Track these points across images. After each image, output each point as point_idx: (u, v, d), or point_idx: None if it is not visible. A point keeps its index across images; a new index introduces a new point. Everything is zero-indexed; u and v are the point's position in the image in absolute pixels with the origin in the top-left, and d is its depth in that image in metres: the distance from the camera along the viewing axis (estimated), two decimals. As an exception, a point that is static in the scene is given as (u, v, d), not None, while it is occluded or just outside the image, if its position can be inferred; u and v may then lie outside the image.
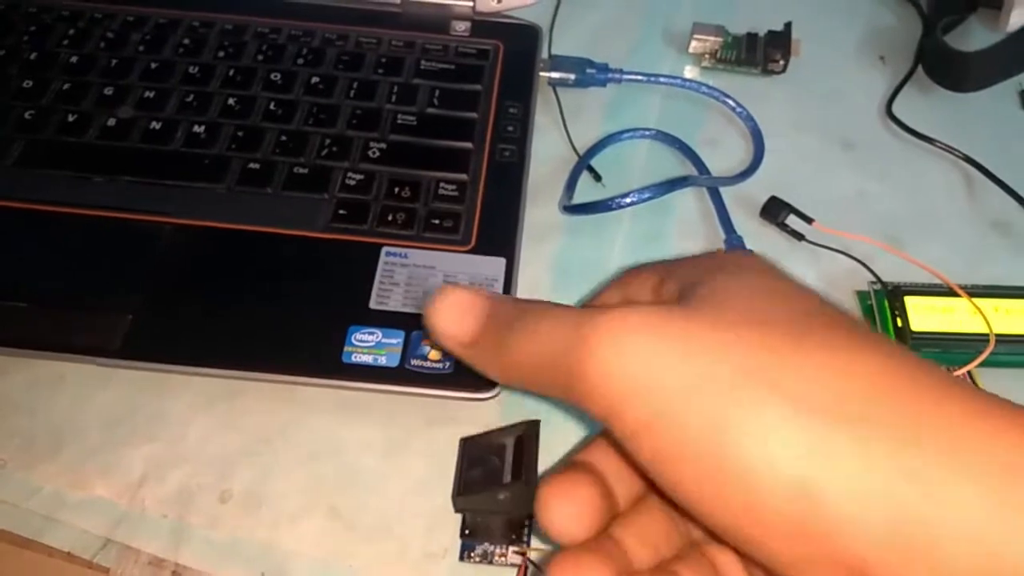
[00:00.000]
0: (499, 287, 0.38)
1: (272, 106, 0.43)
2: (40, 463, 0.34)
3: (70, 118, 0.42)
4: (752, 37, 0.50)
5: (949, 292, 0.38)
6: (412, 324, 0.36)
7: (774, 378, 0.19)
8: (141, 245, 0.38)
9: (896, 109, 0.48)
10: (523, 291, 0.38)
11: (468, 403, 0.35)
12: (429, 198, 0.40)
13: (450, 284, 0.25)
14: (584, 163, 0.44)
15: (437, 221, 0.39)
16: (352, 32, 0.47)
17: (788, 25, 0.49)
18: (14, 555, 0.32)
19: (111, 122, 0.42)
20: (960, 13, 0.51)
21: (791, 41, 0.49)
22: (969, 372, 0.36)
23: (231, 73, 0.44)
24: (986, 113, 0.48)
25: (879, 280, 0.39)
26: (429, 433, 0.35)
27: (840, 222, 0.42)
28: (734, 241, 0.41)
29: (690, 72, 0.49)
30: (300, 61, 0.45)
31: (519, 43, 0.48)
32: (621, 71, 0.48)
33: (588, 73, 0.47)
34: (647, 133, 0.46)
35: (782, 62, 0.49)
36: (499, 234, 0.39)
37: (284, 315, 0.36)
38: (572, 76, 0.47)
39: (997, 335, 0.36)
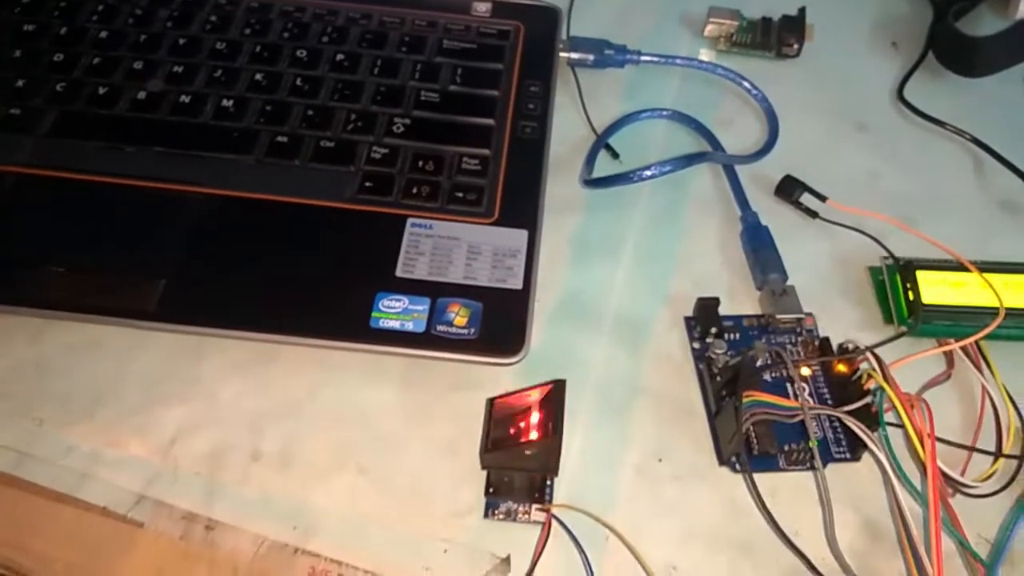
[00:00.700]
0: (521, 258, 0.38)
1: (298, 82, 0.44)
2: (76, 422, 0.35)
3: (101, 91, 0.43)
4: (767, 21, 0.51)
5: (959, 268, 0.39)
6: (437, 292, 0.37)
7: None
8: (173, 213, 0.39)
9: (907, 93, 0.49)
10: (544, 262, 0.39)
11: (492, 368, 0.36)
12: (452, 172, 0.41)
13: None
14: (602, 141, 0.45)
15: (460, 194, 0.40)
16: (375, 11, 0.48)
17: (802, 10, 0.50)
18: (52, 509, 0.33)
19: (141, 95, 0.43)
20: (970, 0, 0.52)
21: (805, 26, 0.50)
22: (978, 344, 0.37)
23: (258, 49, 0.45)
24: (995, 97, 0.49)
25: (891, 255, 0.40)
26: (454, 397, 0.36)
27: (853, 201, 0.43)
28: (749, 218, 0.42)
29: (705, 55, 0.50)
30: (325, 39, 0.46)
31: (539, 24, 0.48)
32: (639, 52, 0.48)
33: (606, 54, 0.48)
34: (664, 113, 0.47)
35: (796, 46, 0.50)
36: (521, 207, 0.40)
37: (314, 282, 0.37)
38: (591, 57, 0.48)
39: (1007, 308, 0.37)
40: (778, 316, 0.38)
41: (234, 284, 0.37)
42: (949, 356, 0.38)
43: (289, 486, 0.34)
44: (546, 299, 0.39)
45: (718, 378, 0.36)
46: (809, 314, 0.38)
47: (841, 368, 0.36)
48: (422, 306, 0.37)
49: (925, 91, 0.49)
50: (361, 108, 0.43)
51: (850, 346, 0.36)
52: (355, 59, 0.45)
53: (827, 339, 0.37)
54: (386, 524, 0.33)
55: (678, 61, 0.49)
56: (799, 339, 0.38)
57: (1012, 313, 0.37)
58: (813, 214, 0.43)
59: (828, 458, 0.35)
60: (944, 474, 0.33)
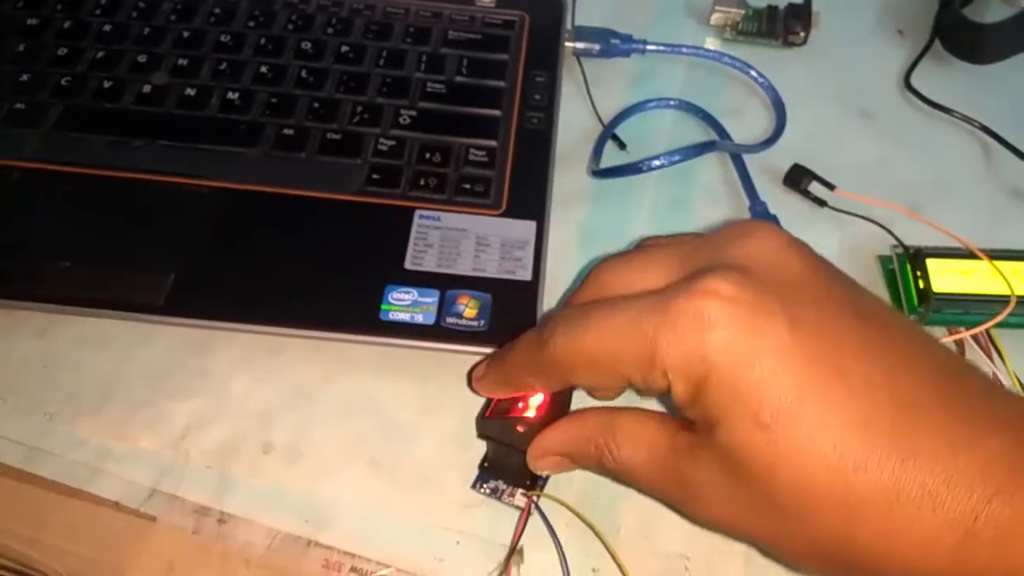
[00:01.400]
0: (530, 249, 0.38)
1: (304, 74, 0.44)
2: (86, 416, 0.35)
3: (106, 84, 0.43)
4: (772, 9, 0.50)
5: (969, 256, 0.39)
6: (447, 283, 0.37)
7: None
8: (181, 206, 0.39)
9: (914, 81, 0.48)
10: (553, 253, 0.39)
11: (502, 360, 0.36)
12: (460, 163, 0.41)
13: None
14: (609, 132, 0.45)
15: (468, 185, 0.40)
16: (380, 2, 0.48)
17: (808, -2, 0.50)
18: (63, 504, 0.33)
19: (146, 88, 0.43)
20: (977, -13, 0.52)
21: (811, 13, 0.50)
22: (988, 331, 0.37)
23: (263, 42, 0.45)
24: (1002, 85, 0.49)
25: (901, 244, 0.40)
26: (464, 389, 0.36)
27: (861, 189, 0.42)
28: (758, 207, 0.42)
29: (711, 44, 0.50)
30: (330, 31, 0.46)
31: (544, 13, 0.48)
32: (644, 42, 0.48)
33: (612, 44, 0.48)
34: (671, 103, 0.47)
35: (802, 34, 0.49)
36: (529, 198, 0.40)
37: (322, 274, 0.37)
38: (596, 46, 0.48)
39: (1018, 296, 0.37)
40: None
41: (242, 277, 0.37)
42: (960, 345, 0.37)
43: (300, 479, 0.34)
44: (555, 290, 0.39)
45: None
46: (819, 303, 0.38)
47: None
48: (431, 298, 0.36)
49: (932, 79, 0.49)
50: (367, 100, 0.43)
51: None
52: (360, 51, 0.45)
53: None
54: (398, 516, 0.33)
55: (684, 50, 0.49)
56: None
57: (1023, 301, 0.37)
58: (822, 203, 0.42)
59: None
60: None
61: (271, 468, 0.34)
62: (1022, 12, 0.49)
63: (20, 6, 0.46)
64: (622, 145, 0.45)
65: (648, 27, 0.50)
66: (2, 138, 0.41)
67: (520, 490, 0.33)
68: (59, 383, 0.36)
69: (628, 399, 0.31)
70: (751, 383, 0.22)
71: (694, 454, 0.25)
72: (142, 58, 0.44)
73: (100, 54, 0.44)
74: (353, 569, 0.32)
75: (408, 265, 0.37)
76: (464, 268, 0.38)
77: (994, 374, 0.36)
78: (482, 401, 0.34)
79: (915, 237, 0.40)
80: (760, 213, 0.41)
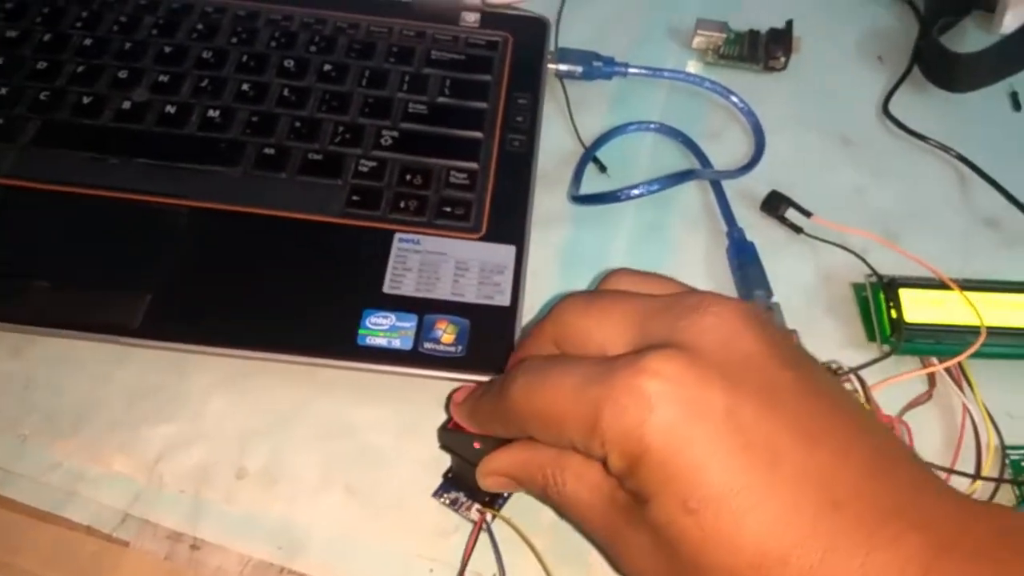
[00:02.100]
0: (509, 274, 0.39)
1: (286, 92, 0.44)
2: (60, 439, 0.35)
3: (85, 100, 0.42)
4: (754, 34, 0.51)
5: (942, 285, 0.39)
6: (425, 308, 0.37)
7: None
8: (158, 226, 0.39)
9: (892, 108, 0.49)
10: (532, 278, 0.39)
11: (479, 386, 0.36)
12: (440, 186, 0.41)
13: None
14: (590, 154, 0.45)
15: (448, 208, 0.40)
16: (363, 21, 0.48)
17: (790, 23, 0.50)
18: (36, 528, 0.33)
19: (126, 105, 0.42)
20: (956, 15, 0.53)
21: (792, 39, 0.50)
22: (960, 364, 0.38)
23: (245, 59, 0.45)
24: (979, 113, 0.50)
25: (875, 272, 0.40)
26: (441, 415, 0.36)
27: (837, 216, 0.43)
28: (735, 233, 0.42)
29: (693, 67, 0.51)
30: (312, 48, 0.46)
31: (527, 35, 0.48)
32: (626, 65, 0.49)
33: (594, 66, 0.48)
34: (651, 126, 0.47)
35: (783, 59, 0.50)
36: (509, 222, 0.40)
37: (300, 297, 0.37)
38: (579, 69, 0.48)
39: (988, 327, 0.37)
40: (763, 334, 0.38)
41: (219, 299, 0.37)
42: (931, 376, 0.38)
43: (275, 504, 0.34)
44: (533, 315, 0.39)
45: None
46: (793, 331, 0.39)
47: (825, 387, 0.36)
48: (409, 323, 0.37)
49: (910, 106, 0.49)
50: (349, 120, 0.43)
51: (834, 366, 0.36)
52: (343, 70, 0.45)
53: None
54: (372, 543, 0.33)
55: (665, 74, 0.49)
56: (784, 357, 0.38)
57: (995, 332, 0.38)
58: (798, 230, 0.43)
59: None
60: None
61: (245, 493, 0.34)
62: (999, 42, 0.50)
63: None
64: (603, 168, 0.45)
65: (631, 50, 0.50)
66: (-22, 153, 0.40)
67: (477, 505, 0.33)
68: (34, 405, 0.36)
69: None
70: (682, 468, 0.23)
71: (630, 516, 0.25)
72: (122, 74, 0.44)
73: (80, 68, 0.44)
74: (326, 597, 0.32)
75: (387, 289, 0.38)
76: (443, 293, 0.38)
77: (964, 406, 0.37)
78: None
79: (889, 266, 0.41)
80: (737, 240, 0.42)
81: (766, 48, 0.50)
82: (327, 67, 0.45)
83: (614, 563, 0.27)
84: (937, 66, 0.50)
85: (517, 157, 0.43)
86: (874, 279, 0.40)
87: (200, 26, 0.46)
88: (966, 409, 0.37)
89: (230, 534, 0.33)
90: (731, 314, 0.25)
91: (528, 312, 0.38)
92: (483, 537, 0.33)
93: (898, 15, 0.54)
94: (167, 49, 0.45)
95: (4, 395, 0.36)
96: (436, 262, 0.39)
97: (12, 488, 0.34)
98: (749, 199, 0.44)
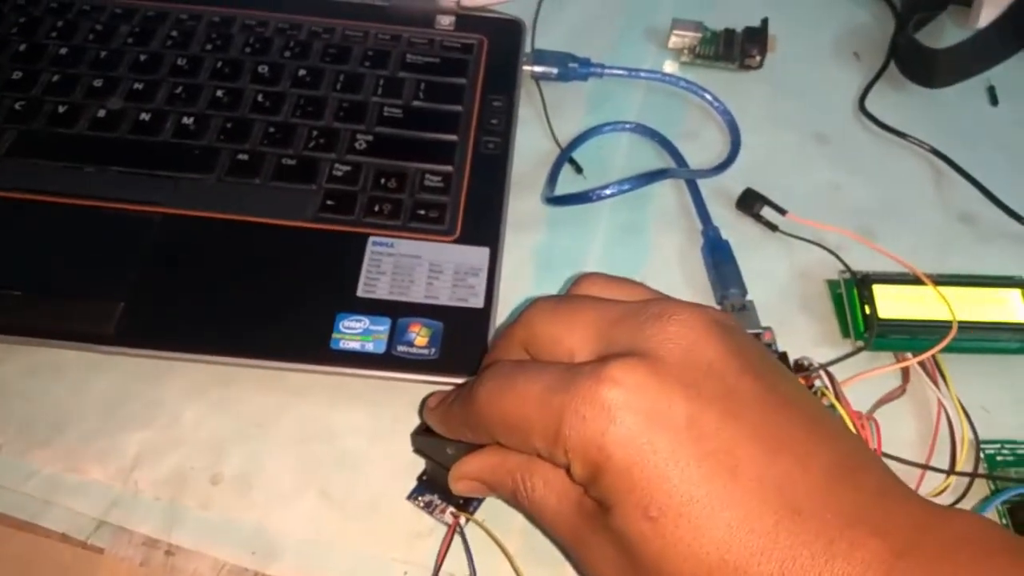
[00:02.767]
0: (483, 276, 0.39)
1: (260, 98, 0.44)
2: (36, 448, 0.35)
3: (60, 109, 0.43)
4: (730, 33, 0.51)
5: (916, 281, 0.39)
6: (398, 311, 0.37)
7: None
8: (133, 234, 0.39)
9: (869, 104, 0.49)
10: (506, 280, 0.39)
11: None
12: (415, 189, 0.41)
13: None
14: (566, 155, 0.45)
15: (423, 211, 0.40)
16: (338, 25, 0.48)
17: (765, 21, 0.51)
18: (10, 537, 0.33)
19: (101, 113, 0.43)
20: (932, 10, 0.53)
21: (768, 37, 0.50)
22: (935, 357, 0.38)
23: (219, 65, 0.45)
24: (956, 108, 0.50)
25: (848, 269, 0.40)
26: (415, 417, 0.36)
27: (813, 214, 0.43)
28: (711, 232, 0.42)
29: (669, 67, 0.51)
30: (287, 54, 0.46)
31: (503, 37, 0.49)
32: (602, 66, 0.49)
33: (570, 67, 0.48)
34: (627, 126, 0.47)
35: (759, 58, 0.50)
36: (483, 224, 0.40)
37: (274, 303, 0.37)
38: (555, 70, 0.48)
39: (960, 322, 0.37)
40: (738, 332, 0.38)
41: (194, 306, 0.37)
42: (905, 371, 0.38)
43: (249, 510, 0.34)
44: (508, 317, 0.39)
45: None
46: (768, 328, 0.39)
47: (798, 384, 0.36)
48: (383, 326, 0.37)
49: (887, 102, 0.49)
50: (323, 125, 0.43)
51: (805, 363, 0.36)
52: (318, 74, 0.45)
53: (785, 354, 0.38)
54: (346, 547, 0.33)
55: (642, 74, 0.49)
56: (758, 354, 0.39)
57: (968, 326, 0.38)
58: (773, 227, 0.43)
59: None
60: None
61: (220, 499, 0.34)
62: (974, 36, 0.50)
63: (-25, 29, 0.46)
64: (579, 169, 0.45)
65: (608, 51, 0.50)
66: (-46, 164, 0.40)
67: (451, 508, 0.33)
68: (9, 414, 0.36)
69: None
70: (643, 477, 0.23)
71: (594, 523, 0.25)
72: (98, 82, 0.44)
73: (55, 77, 0.44)
74: (300, 601, 0.32)
75: (360, 292, 0.38)
76: (417, 295, 0.38)
77: (939, 400, 0.37)
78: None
79: (865, 262, 0.41)
80: (713, 238, 0.42)
81: (742, 47, 0.50)
82: (302, 72, 0.45)
83: (580, 570, 0.27)
84: (914, 62, 0.51)
85: (492, 159, 0.43)
86: (848, 276, 0.40)
87: (175, 33, 0.46)
88: (941, 404, 0.37)
89: (205, 540, 0.33)
90: (695, 321, 0.25)
91: (503, 314, 0.39)
92: (458, 539, 0.33)
93: (874, 11, 0.54)
94: (142, 57, 0.45)
95: (-21, 405, 0.36)
96: (410, 265, 0.39)
97: (-12, 497, 0.34)
98: (725, 198, 0.44)
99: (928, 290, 0.39)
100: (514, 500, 0.28)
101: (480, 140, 0.44)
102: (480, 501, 0.34)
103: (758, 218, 0.43)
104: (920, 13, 0.52)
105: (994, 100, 0.51)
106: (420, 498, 0.34)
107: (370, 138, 0.43)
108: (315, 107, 0.44)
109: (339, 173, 0.41)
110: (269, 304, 0.37)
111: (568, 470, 0.25)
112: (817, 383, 0.35)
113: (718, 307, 0.40)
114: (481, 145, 0.43)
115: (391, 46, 0.47)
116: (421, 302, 0.38)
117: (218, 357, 0.36)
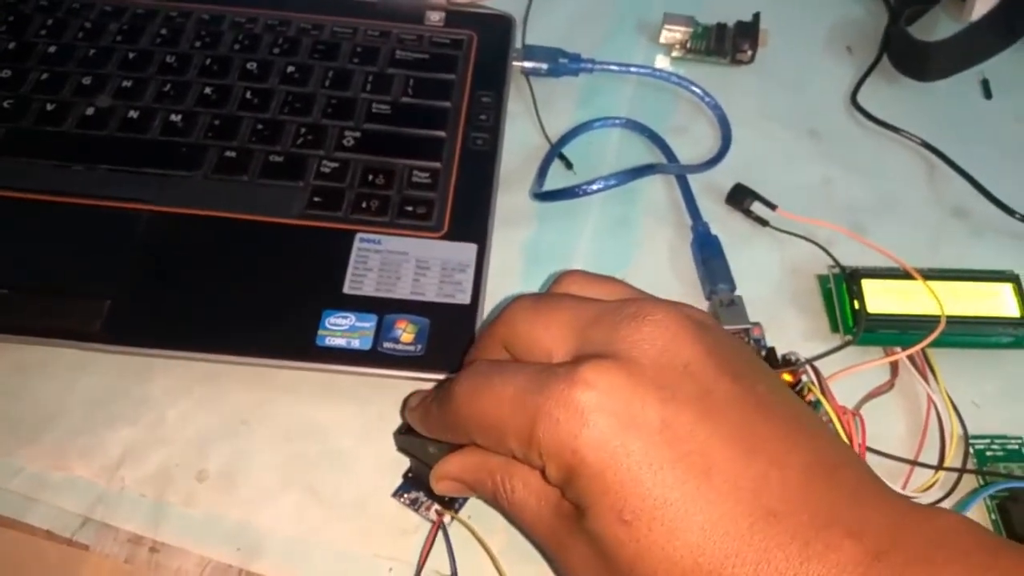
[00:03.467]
0: (470, 272, 0.39)
1: (248, 95, 0.44)
2: (22, 445, 0.35)
3: (49, 107, 0.43)
4: (721, 27, 0.51)
5: (905, 275, 0.39)
6: (385, 308, 0.37)
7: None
8: (120, 232, 0.39)
9: (861, 98, 0.49)
10: (494, 276, 0.39)
11: (439, 384, 0.36)
12: (403, 185, 0.41)
13: None
14: (556, 151, 0.45)
15: (410, 208, 0.40)
16: (327, 22, 0.48)
17: (756, 16, 0.50)
18: (-2, 534, 0.33)
19: (89, 111, 0.43)
20: (924, 3, 0.52)
21: (759, 31, 0.50)
22: (924, 351, 0.37)
23: (208, 62, 0.45)
24: (949, 102, 0.50)
25: (838, 264, 0.40)
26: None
27: (805, 209, 0.43)
28: (700, 227, 0.42)
29: (660, 62, 0.50)
30: (276, 51, 0.46)
31: (493, 33, 0.48)
32: (593, 61, 0.48)
33: (561, 63, 0.48)
34: (617, 122, 0.47)
35: (750, 52, 0.50)
36: (471, 221, 0.40)
37: (260, 300, 0.37)
38: (545, 66, 0.48)
39: (949, 316, 0.37)
40: (725, 327, 0.38)
41: (180, 303, 0.37)
42: (894, 365, 0.38)
43: (234, 507, 0.34)
44: (491, 314, 0.39)
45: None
46: (756, 324, 0.38)
47: (786, 379, 0.36)
48: (369, 323, 0.37)
49: (879, 96, 0.49)
50: (311, 121, 0.43)
51: (792, 357, 0.36)
52: (306, 71, 0.45)
53: (773, 349, 0.37)
54: (331, 544, 0.33)
55: (632, 69, 0.49)
56: (747, 349, 0.38)
57: (957, 321, 0.38)
58: (763, 223, 0.43)
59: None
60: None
61: (205, 496, 0.34)
62: (966, 29, 0.49)
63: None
64: (569, 164, 0.45)
65: (598, 46, 0.50)
66: (-58, 163, 0.40)
67: (436, 506, 0.33)
68: (-5, 411, 0.36)
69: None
70: (616, 480, 0.23)
71: (571, 526, 0.25)
72: (86, 80, 0.44)
73: (44, 76, 0.44)
74: (284, 598, 0.32)
75: (347, 289, 0.38)
76: (403, 292, 0.38)
77: (928, 395, 0.37)
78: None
79: (856, 257, 0.41)
80: (702, 233, 0.42)
81: (733, 41, 0.50)
82: (290, 69, 0.45)
83: (559, 572, 0.27)
84: (906, 55, 0.50)
85: (480, 155, 0.43)
86: (837, 270, 0.40)
87: (164, 31, 0.46)
88: (930, 399, 0.37)
89: (190, 536, 0.33)
90: (670, 321, 0.25)
91: (490, 310, 0.38)
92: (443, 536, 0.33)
93: (867, 5, 0.54)
94: (131, 55, 0.45)
95: (-34, 402, 0.36)
96: (397, 261, 0.39)
97: (-26, 495, 0.34)
98: (716, 193, 0.44)
99: (918, 285, 0.39)
100: (494, 501, 0.28)
101: (469, 136, 0.43)
102: (465, 499, 0.33)
103: (748, 213, 0.43)
104: (913, 6, 0.52)
105: (988, 93, 0.50)
106: (406, 495, 0.34)
107: (358, 135, 0.43)
108: (303, 104, 0.44)
109: (327, 170, 0.41)
110: (255, 301, 0.37)
111: (544, 472, 0.25)
112: (804, 378, 0.35)
113: (707, 302, 0.40)
114: (469, 141, 0.43)
115: (380, 42, 0.47)
116: (408, 298, 0.37)
117: (204, 354, 0.36)
